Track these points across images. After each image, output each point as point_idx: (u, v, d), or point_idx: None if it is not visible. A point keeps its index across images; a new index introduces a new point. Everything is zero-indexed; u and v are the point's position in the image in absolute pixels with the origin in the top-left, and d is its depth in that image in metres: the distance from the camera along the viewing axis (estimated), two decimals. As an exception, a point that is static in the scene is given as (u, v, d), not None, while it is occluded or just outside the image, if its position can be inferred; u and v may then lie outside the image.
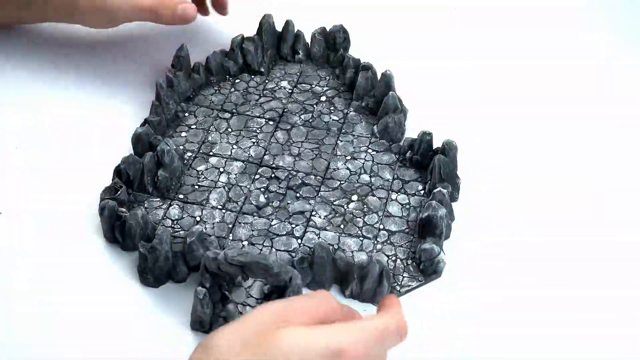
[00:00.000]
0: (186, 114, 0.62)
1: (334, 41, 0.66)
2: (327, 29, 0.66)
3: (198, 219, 0.55)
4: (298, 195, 0.56)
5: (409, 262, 0.52)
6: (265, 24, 0.66)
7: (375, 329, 0.41)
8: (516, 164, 0.60)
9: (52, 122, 0.62)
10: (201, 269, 0.48)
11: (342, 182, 0.57)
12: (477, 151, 0.60)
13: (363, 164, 0.58)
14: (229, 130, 0.61)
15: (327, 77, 0.66)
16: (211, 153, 0.59)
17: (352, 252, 0.52)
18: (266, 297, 0.49)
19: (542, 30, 0.72)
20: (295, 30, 0.66)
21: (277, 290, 0.48)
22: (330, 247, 0.51)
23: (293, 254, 0.52)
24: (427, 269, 0.51)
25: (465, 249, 0.54)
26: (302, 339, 0.39)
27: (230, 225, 0.54)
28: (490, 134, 0.62)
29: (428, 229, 0.52)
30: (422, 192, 0.56)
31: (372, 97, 0.62)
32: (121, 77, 0.66)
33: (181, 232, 0.54)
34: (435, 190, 0.54)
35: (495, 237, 0.55)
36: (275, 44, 0.67)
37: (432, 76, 0.66)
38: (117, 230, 0.53)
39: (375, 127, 0.61)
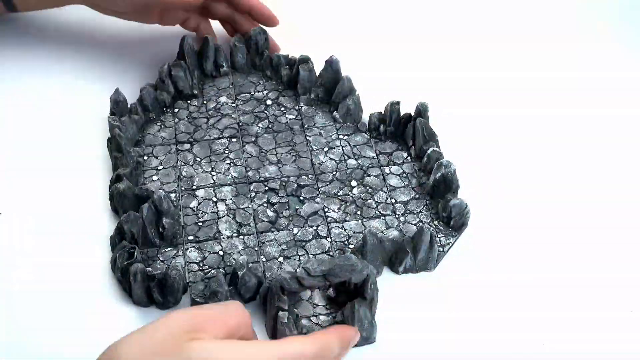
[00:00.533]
0: (145, 158, 0.59)
1: (256, 45, 0.66)
2: (245, 36, 0.66)
3: (221, 253, 0.53)
4: (302, 198, 0.56)
5: (435, 222, 0.55)
6: (187, 46, 0.64)
7: (289, 354, 0.41)
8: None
9: (52, 122, 0.62)
10: (273, 294, 0.47)
11: (333, 173, 0.58)
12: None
13: (342, 150, 0.60)
14: (198, 159, 0.59)
15: (261, 81, 0.65)
16: (194, 187, 0.57)
17: (382, 232, 0.54)
18: (334, 301, 0.50)
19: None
20: (214, 45, 0.65)
21: (345, 290, 0.49)
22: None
23: (331, 254, 0.53)
24: (457, 223, 0.54)
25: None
26: (212, 354, 0.39)
27: (257, 248, 0.53)
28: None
29: (444, 186, 0.55)
30: (409, 157, 0.59)
31: (320, 87, 0.63)
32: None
33: (213, 270, 0.52)
34: (429, 151, 0.57)
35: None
36: (198, 64, 0.65)
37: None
38: (156, 290, 0.49)
39: (335, 113, 0.62)
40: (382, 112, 0.61)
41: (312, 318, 0.49)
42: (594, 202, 0.58)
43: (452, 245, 0.54)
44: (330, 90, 0.63)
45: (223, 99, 0.64)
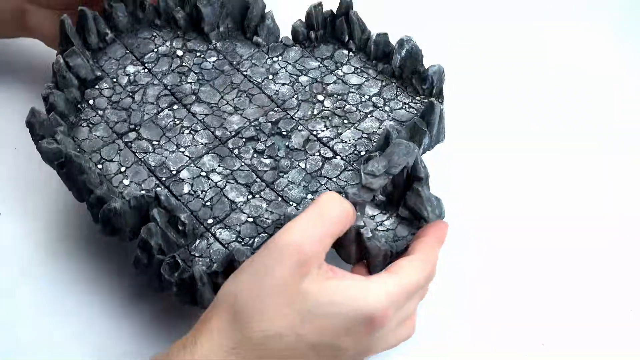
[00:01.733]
0: (100, 167, 0.52)
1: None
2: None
3: (251, 219, 0.49)
4: (284, 133, 0.53)
5: (417, 98, 0.55)
6: (68, 27, 0.55)
7: (406, 289, 0.41)
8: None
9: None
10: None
11: (294, 96, 0.55)
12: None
13: (286, 71, 0.57)
14: (155, 142, 0.53)
15: (154, 34, 0.58)
16: (174, 171, 0.51)
17: (379, 127, 0.54)
18: (386, 203, 0.49)
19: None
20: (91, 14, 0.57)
21: (393, 188, 0.48)
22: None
23: (351, 168, 0.52)
24: (437, 89, 0.54)
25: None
26: (331, 299, 0.39)
27: (279, 199, 0.50)
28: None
29: (412, 61, 0.55)
30: (351, 53, 0.58)
31: (227, 17, 0.58)
32: None
33: (257, 239, 0.48)
34: (374, 38, 0.56)
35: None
36: (83, 42, 0.57)
37: None
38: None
39: (256, 37, 0.58)
40: (304, 20, 0.58)
41: (379, 228, 0.48)
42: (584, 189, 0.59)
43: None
44: (240, 17, 0.58)
45: (130, 69, 0.57)
